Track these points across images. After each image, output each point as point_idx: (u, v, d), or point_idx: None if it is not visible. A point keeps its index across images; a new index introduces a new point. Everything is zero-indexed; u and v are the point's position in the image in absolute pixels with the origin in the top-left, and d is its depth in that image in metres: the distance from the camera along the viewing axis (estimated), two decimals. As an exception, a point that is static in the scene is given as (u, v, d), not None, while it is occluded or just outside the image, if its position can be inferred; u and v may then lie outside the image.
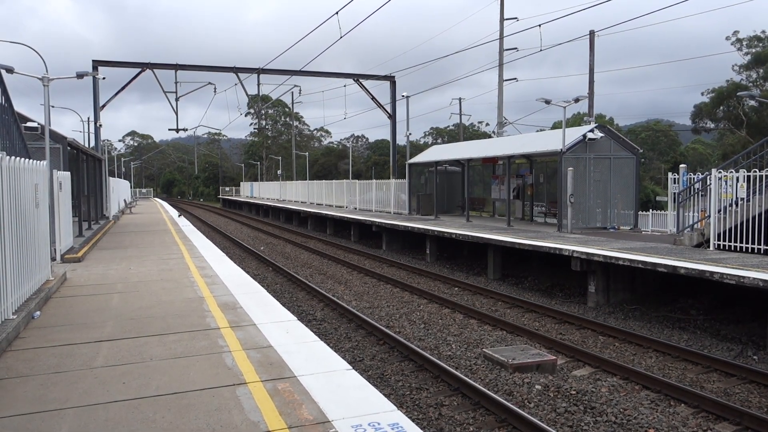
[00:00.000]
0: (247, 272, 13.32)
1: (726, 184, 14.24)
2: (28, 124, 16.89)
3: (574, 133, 19.79)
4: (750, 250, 13.33)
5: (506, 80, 31.67)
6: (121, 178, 60.09)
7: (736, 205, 13.77)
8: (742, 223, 13.54)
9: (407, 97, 35.08)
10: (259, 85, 34.42)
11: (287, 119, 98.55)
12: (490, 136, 69.07)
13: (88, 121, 49.00)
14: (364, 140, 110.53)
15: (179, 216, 30.43)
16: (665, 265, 11.69)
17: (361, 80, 36.38)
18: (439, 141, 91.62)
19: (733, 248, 13.71)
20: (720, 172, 14.40)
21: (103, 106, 31.72)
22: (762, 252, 13.08)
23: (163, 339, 6.77)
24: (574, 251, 13.88)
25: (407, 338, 10.69)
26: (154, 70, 32.26)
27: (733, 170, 14.36)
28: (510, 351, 9.44)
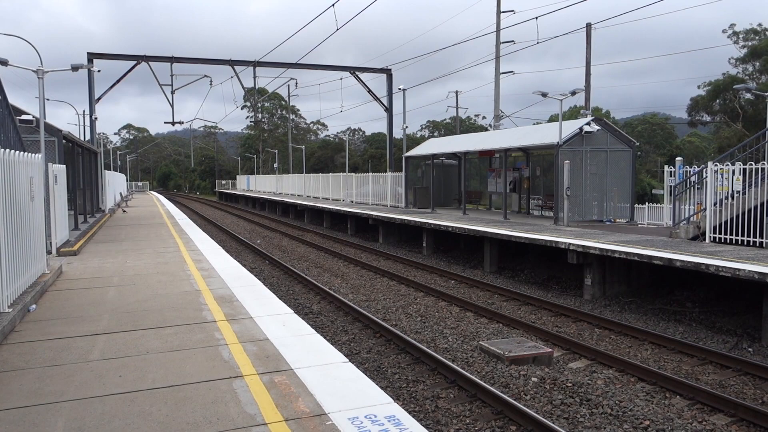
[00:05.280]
0: (244, 265, 13.30)
1: (722, 176, 14.27)
2: (23, 117, 16.84)
3: (570, 126, 19.79)
4: (745, 243, 13.37)
5: (503, 73, 31.64)
6: (117, 171, 59.90)
7: (732, 198, 13.80)
8: (737, 216, 13.58)
9: (404, 90, 35.02)
10: (255, 77, 34.29)
11: (284, 112, 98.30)
12: (486, 129, 69.02)
13: (84, 114, 48.85)
14: (361, 133, 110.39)
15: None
16: (661, 258, 11.72)
17: (357, 73, 36.26)
18: (435, 134, 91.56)
19: (728, 241, 13.75)
20: (716, 165, 14.42)
21: (99, 99, 31.58)
22: (757, 245, 13.12)
23: (160, 332, 6.76)
24: (570, 244, 13.90)
25: (404, 331, 10.71)
26: (150, 63, 32.10)
27: (729, 163, 14.39)
28: (506, 343, 9.47)
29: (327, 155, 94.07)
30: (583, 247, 13.55)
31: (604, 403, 7.41)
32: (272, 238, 27.33)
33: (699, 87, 52.09)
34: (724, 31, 50.05)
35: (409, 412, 6.72)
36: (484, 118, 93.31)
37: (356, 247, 23.06)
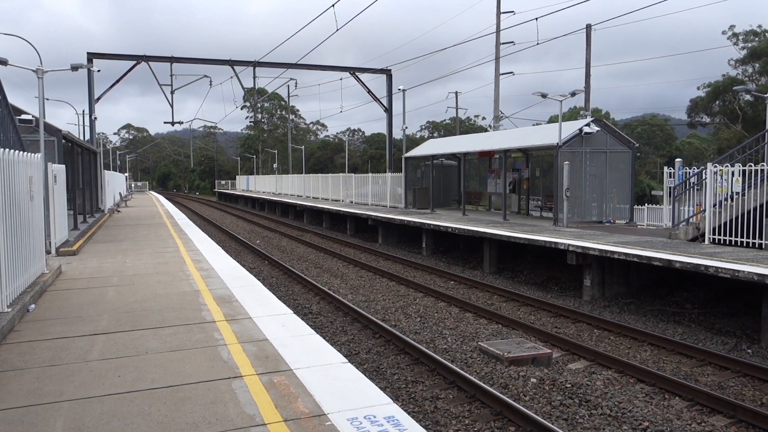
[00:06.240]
0: (243, 266, 13.30)
1: (721, 178, 14.27)
2: (23, 116, 16.83)
3: (570, 127, 19.79)
4: (745, 244, 13.37)
5: (503, 74, 31.66)
6: (116, 171, 59.90)
7: (732, 199, 13.81)
8: (737, 218, 13.58)
9: (403, 90, 35.05)
10: (255, 78, 34.28)
11: (283, 112, 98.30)
12: (486, 130, 69.08)
13: (84, 114, 48.86)
14: (361, 134, 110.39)
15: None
16: (660, 259, 11.72)
17: (357, 73, 36.25)
18: (435, 135, 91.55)
19: (728, 242, 13.76)
20: (716, 167, 14.43)
21: (98, 99, 31.56)
22: (757, 246, 13.12)
23: (159, 332, 6.76)
24: (569, 245, 13.90)
25: (403, 332, 10.70)
26: (150, 63, 32.09)
27: (728, 164, 14.39)
28: (505, 344, 9.47)
29: (327, 156, 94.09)
30: (583, 248, 13.55)
31: (603, 404, 7.41)
32: (271, 238, 27.32)
33: (699, 88, 52.21)
34: (723, 33, 50.16)
35: (409, 413, 6.71)
36: (483, 118, 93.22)
37: (355, 248, 23.05)
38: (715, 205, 14.14)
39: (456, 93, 56.00)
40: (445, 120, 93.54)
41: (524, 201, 24.36)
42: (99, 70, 26.35)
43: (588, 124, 19.49)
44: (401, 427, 4.23)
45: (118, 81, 31.91)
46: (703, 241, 14.29)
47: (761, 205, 13.13)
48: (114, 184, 39.09)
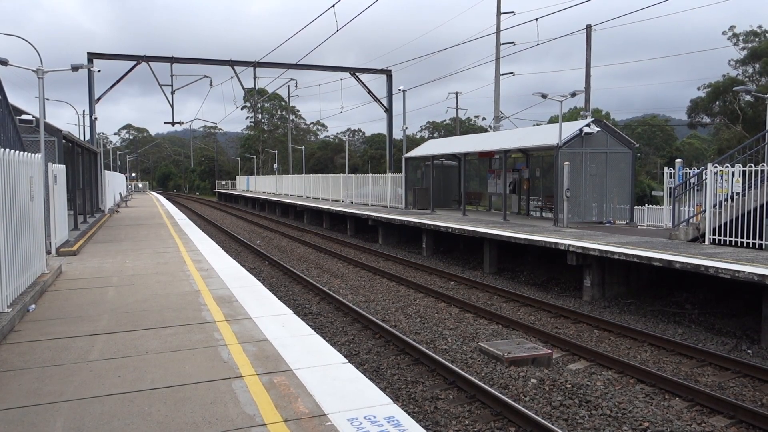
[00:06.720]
0: (243, 266, 13.30)
1: (721, 178, 14.28)
2: (23, 117, 16.85)
3: (570, 128, 19.79)
4: (745, 245, 13.37)
5: (503, 74, 31.68)
6: (117, 171, 59.92)
7: (732, 199, 13.81)
8: (737, 218, 13.58)
9: (404, 90, 35.08)
10: (255, 78, 34.30)
11: (283, 113, 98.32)
12: (486, 131, 69.06)
13: (84, 114, 48.89)
14: (361, 134, 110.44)
15: None
16: (660, 260, 11.72)
17: (357, 74, 36.26)
18: (435, 135, 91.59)
19: (728, 243, 13.76)
20: (716, 167, 14.43)
21: (98, 99, 31.58)
22: (757, 246, 13.12)
23: (159, 332, 6.76)
24: (569, 245, 13.90)
25: (403, 332, 10.70)
26: (150, 63, 32.11)
27: (728, 165, 14.39)
28: (506, 345, 9.47)
29: (327, 156, 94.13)
30: (583, 248, 13.55)
31: (603, 404, 7.41)
32: (272, 238, 27.32)
33: (699, 89, 52.21)
34: (724, 33, 50.18)
35: (409, 413, 6.71)
36: (484, 119, 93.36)
37: (356, 248, 23.05)
38: (715, 206, 14.14)
39: (456, 93, 56.08)
40: (445, 120, 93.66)
41: (524, 201, 24.36)
42: (99, 71, 26.38)
43: (588, 125, 19.49)
44: (401, 427, 4.23)
45: (118, 81, 31.94)
46: (704, 241, 14.29)
47: (761, 206, 13.13)
48: (114, 184, 39.09)
